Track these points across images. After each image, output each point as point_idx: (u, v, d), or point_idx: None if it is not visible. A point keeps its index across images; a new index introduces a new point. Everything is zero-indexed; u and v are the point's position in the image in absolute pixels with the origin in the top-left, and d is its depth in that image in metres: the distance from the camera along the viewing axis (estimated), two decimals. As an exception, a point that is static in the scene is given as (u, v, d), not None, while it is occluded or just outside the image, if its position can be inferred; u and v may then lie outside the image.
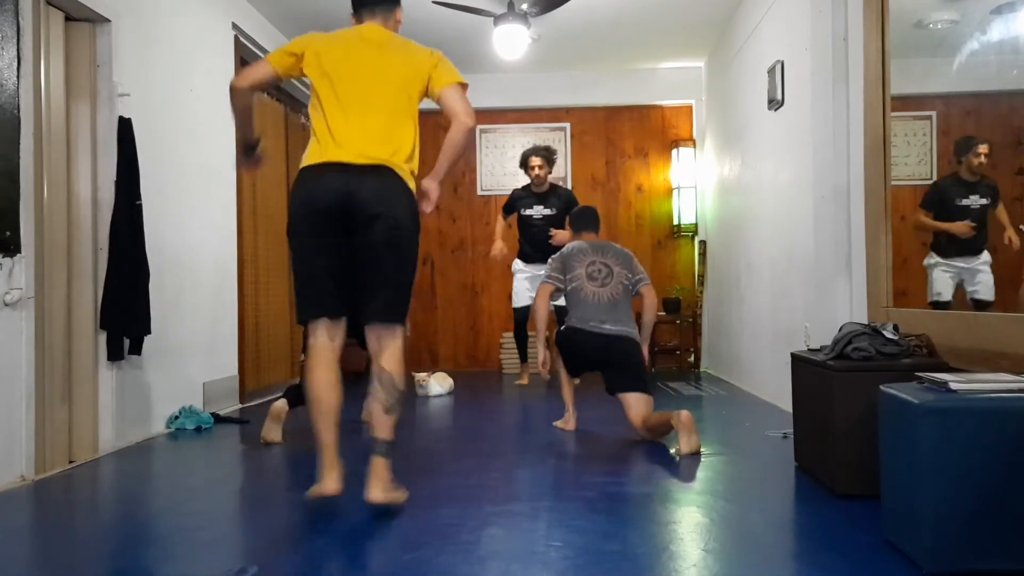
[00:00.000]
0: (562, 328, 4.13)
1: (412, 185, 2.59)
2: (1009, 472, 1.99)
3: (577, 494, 2.89)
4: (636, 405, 3.77)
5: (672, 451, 3.61)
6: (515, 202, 5.96)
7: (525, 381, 5.99)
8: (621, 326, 3.94)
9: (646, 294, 4.09)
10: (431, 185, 2.67)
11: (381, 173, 2.51)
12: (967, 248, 3.39)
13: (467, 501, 2.76)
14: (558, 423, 4.26)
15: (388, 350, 2.57)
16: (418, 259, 2.67)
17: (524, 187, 6.00)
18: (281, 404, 3.89)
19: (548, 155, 5.84)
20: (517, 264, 5.99)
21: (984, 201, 3.33)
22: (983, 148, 3.32)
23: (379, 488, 2.52)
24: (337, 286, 2.56)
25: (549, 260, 4.22)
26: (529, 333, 5.90)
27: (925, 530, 2.01)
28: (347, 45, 2.64)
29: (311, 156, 2.56)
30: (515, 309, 5.98)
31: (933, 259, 3.53)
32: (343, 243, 2.52)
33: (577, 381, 4.26)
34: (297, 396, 3.84)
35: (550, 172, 5.88)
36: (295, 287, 2.65)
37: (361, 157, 2.49)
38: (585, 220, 4.31)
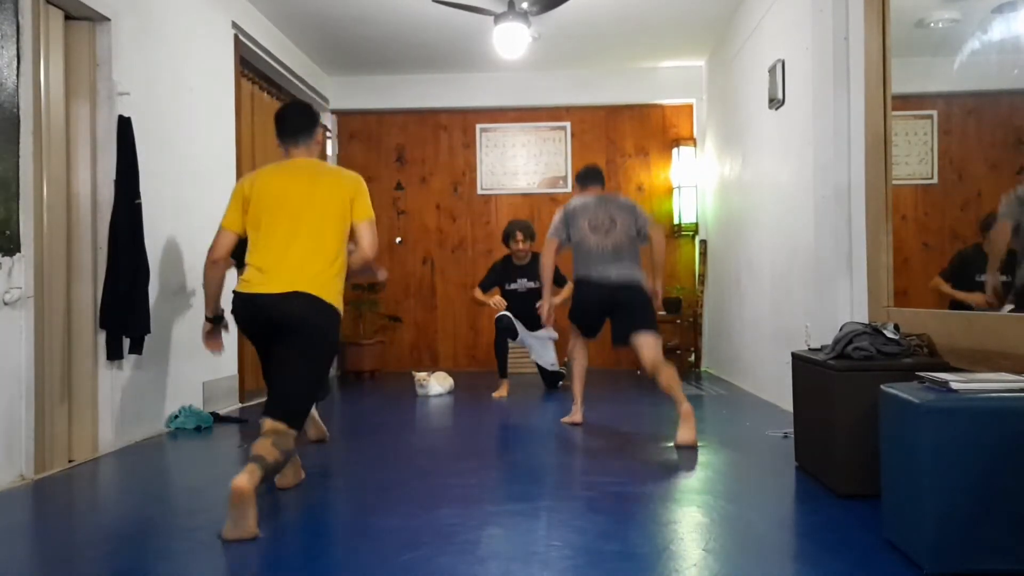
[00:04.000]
0: (573, 290, 4.21)
1: (336, 307, 2.79)
2: (1010, 472, 1.99)
3: (577, 494, 2.89)
4: (645, 345, 3.87)
5: (670, 444, 3.66)
6: (497, 276, 5.87)
7: (504, 393, 5.63)
8: (626, 272, 3.99)
9: (653, 235, 4.15)
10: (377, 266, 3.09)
11: (303, 297, 2.72)
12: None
13: (467, 501, 2.76)
14: (565, 419, 4.28)
15: (271, 431, 2.63)
16: (326, 369, 2.88)
17: (503, 261, 5.91)
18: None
19: (530, 231, 5.82)
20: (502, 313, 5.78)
21: (1004, 278, 3.26)
22: (1007, 225, 3.23)
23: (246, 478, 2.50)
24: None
25: (555, 214, 4.26)
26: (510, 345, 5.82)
27: (926, 530, 2.01)
28: (275, 182, 2.88)
29: (241, 284, 2.83)
30: (499, 317, 5.70)
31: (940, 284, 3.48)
32: (272, 341, 2.79)
33: (593, 339, 4.29)
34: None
35: (532, 245, 5.79)
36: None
37: (288, 288, 2.72)
38: (591, 176, 4.36)
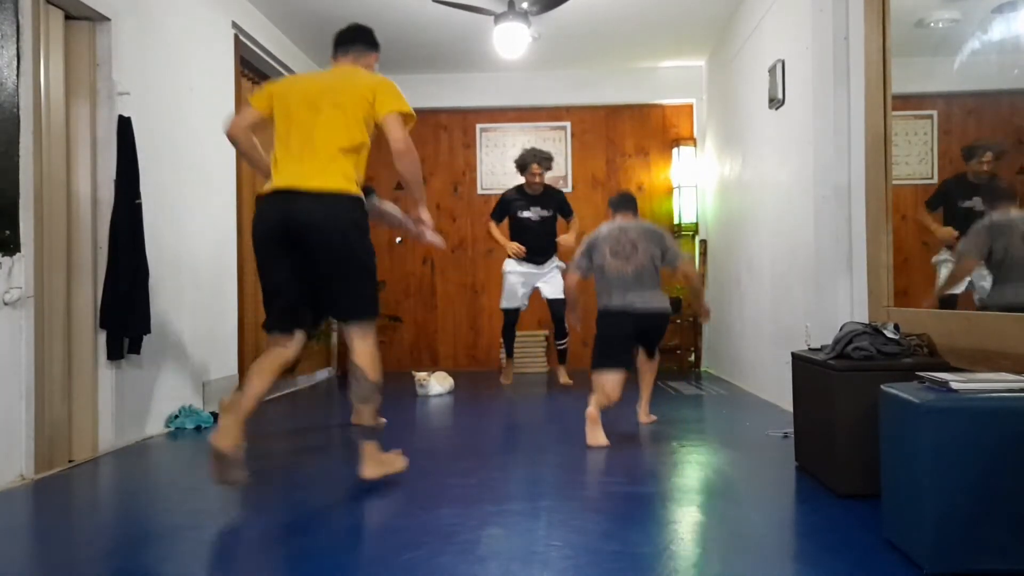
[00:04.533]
0: (596, 321, 4.17)
1: (355, 194, 2.77)
2: (1010, 472, 1.98)
3: (577, 494, 2.89)
4: (647, 364, 4.23)
5: (674, 442, 3.75)
6: (508, 205, 5.87)
7: (509, 380, 5.87)
8: (648, 299, 3.98)
9: (685, 271, 4.22)
10: (421, 213, 2.95)
11: (319, 196, 2.72)
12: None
13: (467, 501, 2.76)
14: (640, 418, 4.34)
15: (356, 347, 2.81)
16: (371, 260, 2.84)
17: (516, 188, 5.91)
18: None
19: (547, 162, 5.80)
20: (509, 264, 5.86)
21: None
22: (987, 157, 3.32)
23: (369, 467, 2.84)
24: (293, 298, 2.80)
25: (580, 245, 4.26)
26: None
27: (926, 530, 2.01)
28: (300, 84, 2.95)
29: (265, 187, 2.82)
30: (504, 310, 5.83)
31: (943, 256, 3.52)
32: (296, 260, 2.75)
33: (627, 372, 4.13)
34: None
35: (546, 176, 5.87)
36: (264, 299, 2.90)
37: (301, 185, 2.72)
38: (623, 203, 4.35)
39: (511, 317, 5.87)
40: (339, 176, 2.75)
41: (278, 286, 2.80)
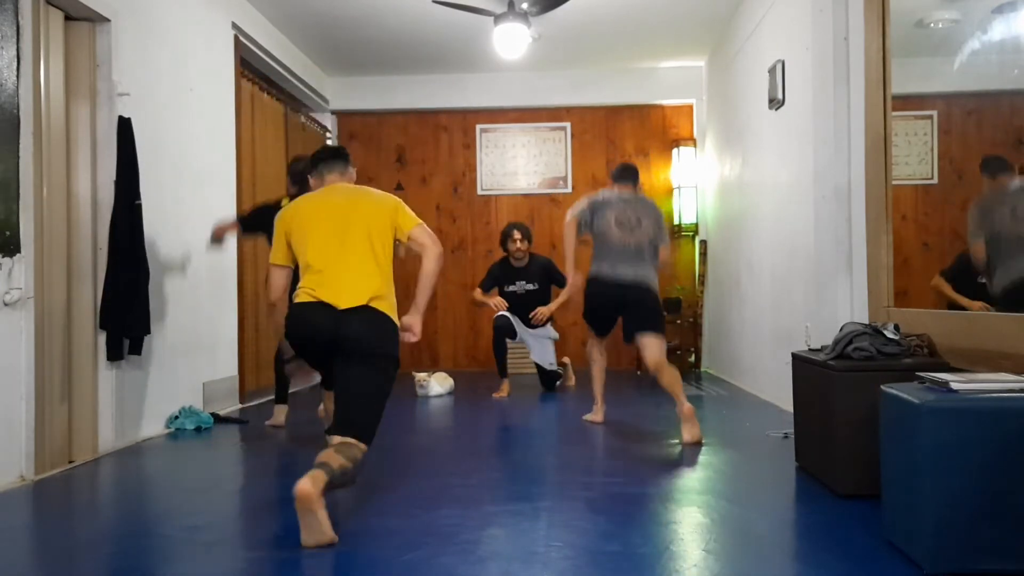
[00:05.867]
0: (586, 285, 4.22)
1: (394, 319, 2.77)
2: (1010, 472, 1.98)
3: (577, 494, 2.89)
4: (649, 346, 3.97)
5: (676, 441, 3.70)
6: (496, 278, 5.83)
7: (504, 393, 5.60)
8: (642, 273, 4.04)
9: (661, 252, 4.20)
10: (413, 320, 2.91)
11: (362, 311, 2.69)
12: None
13: (467, 501, 2.76)
14: (587, 417, 4.34)
15: (341, 447, 2.56)
16: (390, 385, 2.75)
17: (502, 262, 5.86)
18: (281, 408, 4.26)
19: (527, 231, 5.79)
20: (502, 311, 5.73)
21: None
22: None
23: (310, 483, 2.40)
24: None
25: (582, 199, 4.28)
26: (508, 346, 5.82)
27: (926, 530, 2.01)
28: (315, 205, 2.88)
29: (299, 296, 2.76)
30: (497, 316, 5.66)
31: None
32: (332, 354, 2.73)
33: (604, 338, 4.35)
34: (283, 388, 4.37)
35: (530, 246, 5.78)
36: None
37: (347, 304, 2.68)
38: (627, 174, 4.36)
39: (503, 322, 5.61)
40: (383, 295, 2.75)
41: (323, 367, 2.92)
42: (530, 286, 5.72)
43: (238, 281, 5.21)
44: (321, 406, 4.28)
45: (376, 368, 2.67)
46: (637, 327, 4.01)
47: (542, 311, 5.58)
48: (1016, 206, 3.01)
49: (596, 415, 4.32)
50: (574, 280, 4.31)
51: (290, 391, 4.55)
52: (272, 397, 4.61)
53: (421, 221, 2.93)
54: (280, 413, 4.41)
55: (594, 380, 4.38)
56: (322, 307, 2.67)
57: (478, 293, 5.83)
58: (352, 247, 2.75)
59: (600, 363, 4.37)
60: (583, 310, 4.28)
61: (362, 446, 2.58)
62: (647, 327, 3.98)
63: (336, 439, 2.58)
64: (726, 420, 4.57)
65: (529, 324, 5.68)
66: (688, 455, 3.53)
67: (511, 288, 5.77)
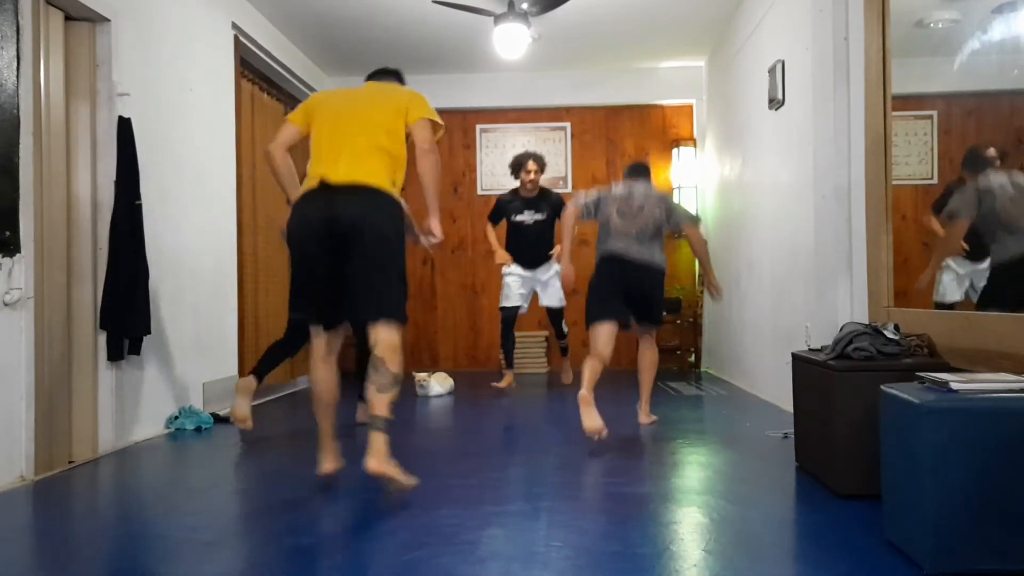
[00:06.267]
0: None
1: (394, 195, 2.86)
2: (1010, 472, 1.98)
3: (577, 494, 2.89)
4: (645, 336, 4.20)
5: (675, 441, 3.74)
6: (503, 207, 5.83)
7: (503, 385, 5.73)
8: (646, 253, 4.03)
9: (689, 233, 4.20)
10: (431, 223, 2.98)
11: (358, 190, 2.79)
12: (976, 253, 3.37)
13: (467, 501, 2.76)
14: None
15: (381, 339, 2.79)
16: (403, 263, 2.88)
17: (511, 192, 5.86)
18: (249, 379, 3.98)
19: (542, 161, 5.76)
20: (506, 267, 5.84)
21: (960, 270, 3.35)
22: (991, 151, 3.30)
23: (376, 459, 2.69)
24: (332, 296, 2.88)
25: (592, 191, 4.26)
26: (520, 338, 5.84)
27: (926, 530, 2.01)
28: (336, 97, 3.05)
29: (304, 184, 2.87)
30: (503, 308, 5.76)
31: (945, 260, 3.49)
32: (335, 255, 2.79)
33: (612, 322, 4.10)
34: (266, 364, 4.13)
35: (541, 178, 5.80)
36: (292, 290, 3.00)
37: (342, 179, 2.78)
38: (636, 171, 4.36)
39: (509, 315, 5.76)
40: (382, 175, 2.83)
41: (319, 281, 2.86)
42: (539, 215, 5.69)
43: (238, 281, 5.21)
44: (358, 414, 4.34)
45: (386, 248, 2.78)
46: (640, 319, 4.14)
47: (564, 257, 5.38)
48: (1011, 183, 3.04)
49: (643, 415, 4.28)
50: (567, 271, 4.25)
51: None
52: (275, 397, 4.60)
53: (435, 118, 2.96)
54: (249, 383, 4.28)
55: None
56: (319, 190, 2.76)
57: (490, 230, 5.85)
58: (360, 129, 2.85)
59: (641, 367, 4.26)
60: (590, 299, 4.06)
61: (392, 370, 2.73)
62: (649, 321, 4.14)
63: (382, 336, 2.74)
64: (726, 420, 4.57)
65: (536, 259, 5.65)
66: (688, 455, 3.53)
67: (519, 217, 5.75)
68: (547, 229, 5.74)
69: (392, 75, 3.25)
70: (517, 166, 5.75)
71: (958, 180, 3.60)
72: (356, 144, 2.84)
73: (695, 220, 4.27)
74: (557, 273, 5.73)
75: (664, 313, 4.23)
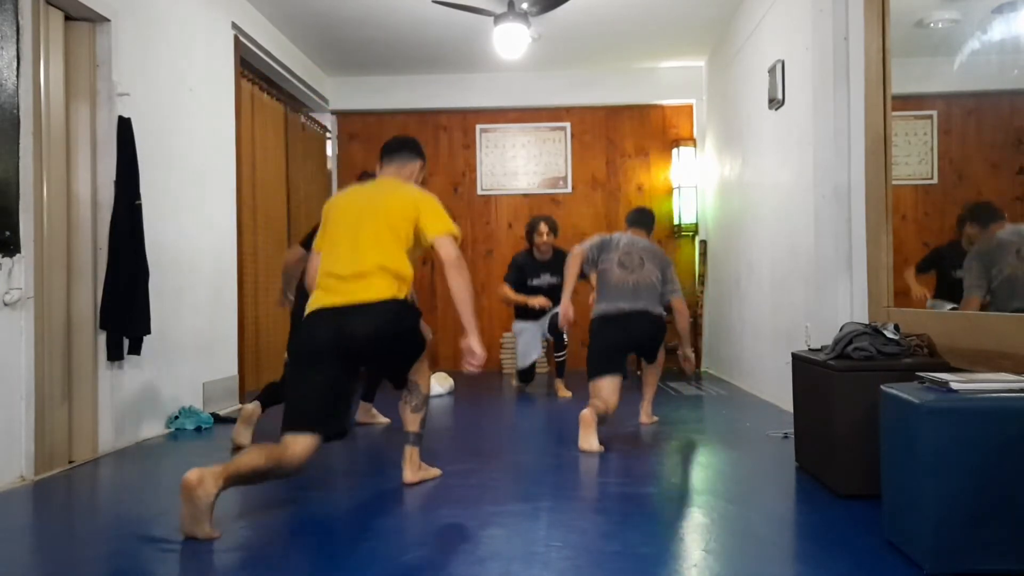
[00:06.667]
0: (590, 324, 4.18)
1: (402, 295, 2.85)
2: (1010, 472, 1.98)
3: (577, 494, 2.89)
4: (650, 371, 4.29)
5: (676, 441, 3.73)
6: (520, 270, 5.82)
7: (568, 393, 5.78)
8: (643, 304, 4.02)
9: (676, 306, 4.19)
10: (470, 342, 2.91)
11: (369, 308, 2.76)
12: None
13: (467, 501, 2.76)
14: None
15: (416, 370, 3.04)
16: (419, 333, 2.98)
17: (526, 254, 5.87)
18: (253, 407, 3.88)
19: (553, 223, 5.80)
20: (517, 325, 5.83)
21: None
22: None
23: (411, 471, 3.00)
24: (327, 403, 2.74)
25: (594, 237, 4.29)
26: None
27: (926, 530, 2.01)
28: (346, 198, 3.00)
29: (313, 303, 2.83)
30: (520, 370, 5.89)
31: (938, 302, 3.47)
32: (347, 368, 2.77)
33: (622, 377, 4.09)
34: (270, 398, 3.90)
35: (555, 239, 5.79)
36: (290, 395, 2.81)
37: (353, 301, 2.76)
38: (641, 220, 4.39)
39: (528, 373, 5.88)
40: (386, 286, 2.80)
41: (314, 394, 2.69)
42: (553, 280, 5.67)
43: (238, 281, 5.21)
44: (359, 414, 4.44)
45: (405, 345, 2.92)
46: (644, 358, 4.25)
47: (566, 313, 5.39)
48: (1021, 248, 3.00)
49: (645, 415, 4.33)
50: (566, 309, 4.25)
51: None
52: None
53: (451, 228, 2.90)
54: (365, 412, 4.48)
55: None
56: (327, 313, 2.76)
57: (508, 290, 5.79)
58: (369, 234, 2.83)
59: (645, 372, 4.32)
60: (591, 355, 4.00)
61: (424, 391, 3.02)
62: (652, 358, 4.24)
63: (407, 399, 3.01)
64: (726, 420, 4.57)
65: (550, 321, 5.63)
66: (688, 455, 3.53)
67: (536, 282, 5.75)
68: (560, 290, 5.71)
69: (406, 148, 3.13)
70: (530, 230, 5.81)
71: (947, 243, 3.56)
72: (363, 262, 2.79)
73: (681, 293, 4.27)
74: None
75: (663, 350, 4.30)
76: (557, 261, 5.69)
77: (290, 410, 2.69)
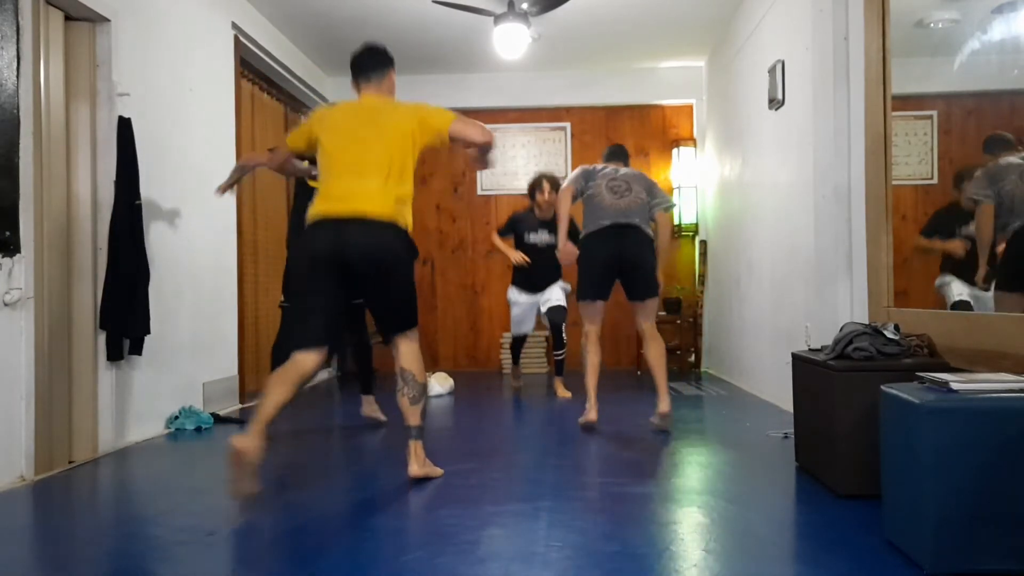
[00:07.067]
0: (580, 246, 4.24)
1: (404, 224, 2.95)
2: (1010, 472, 1.98)
3: (577, 494, 2.89)
4: (646, 312, 4.19)
5: (675, 441, 3.76)
6: (516, 224, 5.70)
7: (519, 383, 6.04)
8: (634, 223, 4.11)
9: (660, 219, 4.25)
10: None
11: (369, 225, 2.87)
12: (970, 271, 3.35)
13: (467, 501, 2.76)
14: (581, 420, 4.25)
15: (404, 352, 3.02)
16: (413, 280, 3.05)
17: (527, 211, 5.74)
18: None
19: (557, 181, 5.64)
20: (512, 293, 5.73)
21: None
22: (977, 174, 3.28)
23: (416, 464, 3.01)
24: (332, 319, 2.93)
25: (575, 170, 4.37)
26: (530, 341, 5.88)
27: (926, 530, 2.01)
28: (343, 118, 3.03)
29: (313, 211, 2.93)
30: (515, 337, 5.87)
31: (946, 278, 3.47)
32: (341, 283, 2.88)
33: (605, 301, 4.26)
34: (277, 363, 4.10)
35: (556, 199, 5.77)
36: (294, 315, 3.05)
37: (353, 212, 2.86)
38: (616, 153, 4.50)
39: (522, 338, 5.92)
40: (391, 205, 2.89)
41: (320, 307, 2.88)
42: (551, 239, 5.48)
43: (238, 281, 5.21)
44: (363, 407, 4.50)
45: (403, 276, 2.93)
46: (634, 294, 4.18)
47: (562, 244, 4.91)
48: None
49: (589, 414, 4.21)
50: (565, 247, 4.33)
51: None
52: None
53: (456, 115, 3.01)
54: (368, 404, 4.50)
55: (588, 375, 4.25)
56: (330, 224, 2.84)
57: (496, 238, 5.77)
58: (372, 161, 2.89)
59: (594, 359, 4.26)
60: (579, 275, 4.24)
61: (420, 380, 2.99)
62: (644, 293, 4.16)
63: (404, 348, 2.97)
64: (726, 420, 4.57)
65: (545, 280, 5.59)
66: (688, 455, 3.53)
67: (532, 238, 5.61)
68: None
69: (377, 62, 3.12)
70: (532, 188, 5.63)
71: (944, 206, 3.59)
72: (366, 178, 2.88)
73: (671, 205, 4.37)
74: (560, 287, 5.65)
75: (659, 288, 4.20)
76: (556, 221, 5.58)
77: (299, 329, 2.90)
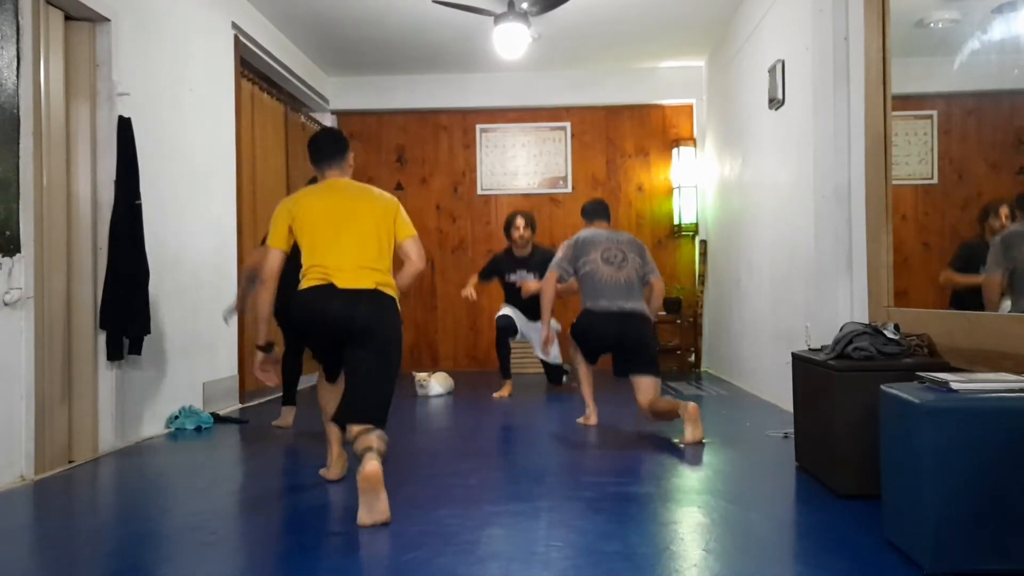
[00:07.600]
0: (579, 317, 4.21)
1: (395, 296, 2.98)
2: (1010, 472, 1.98)
3: (577, 494, 2.89)
4: (646, 388, 3.97)
5: (676, 440, 3.71)
6: (497, 267, 5.77)
7: (505, 393, 5.54)
8: (636, 304, 4.09)
9: (655, 284, 4.26)
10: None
11: (369, 296, 2.88)
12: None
13: (467, 501, 2.76)
14: (581, 420, 4.29)
15: (367, 440, 2.68)
16: (400, 361, 3.02)
17: (505, 251, 5.77)
18: (287, 410, 4.38)
19: (531, 218, 5.72)
20: (505, 311, 5.69)
21: None
22: (1004, 211, 3.25)
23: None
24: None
25: (561, 246, 4.34)
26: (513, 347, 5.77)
27: (926, 530, 2.01)
28: (319, 200, 3.04)
29: (310, 280, 2.91)
30: (499, 317, 5.65)
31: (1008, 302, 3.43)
32: (341, 344, 2.92)
33: (594, 366, 4.33)
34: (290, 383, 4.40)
35: (533, 235, 5.69)
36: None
37: (353, 284, 2.87)
38: (599, 211, 4.45)
39: (506, 323, 5.59)
40: (382, 281, 2.93)
41: (332, 355, 3.04)
42: (531, 276, 5.54)
43: (238, 282, 5.20)
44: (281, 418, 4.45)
45: (386, 351, 2.87)
46: (633, 369, 4.02)
47: (529, 285, 5.35)
48: None
49: (590, 418, 4.27)
50: (548, 335, 4.49)
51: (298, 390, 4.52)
52: (276, 396, 4.61)
53: (416, 233, 3.15)
54: (288, 414, 4.39)
55: (582, 382, 4.32)
56: (332, 289, 2.84)
57: (473, 279, 5.76)
58: (358, 237, 2.94)
59: (586, 368, 4.30)
60: (573, 331, 4.24)
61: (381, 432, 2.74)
62: (644, 369, 3.99)
63: (358, 429, 2.68)
64: (726, 420, 4.57)
65: (530, 315, 5.57)
66: (688, 455, 3.53)
67: (512, 278, 5.67)
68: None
69: (336, 149, 3.17)
70: (507, 225, 5.71)
71: (972, 239, 3.50)
72: (359, 253, 2.92)
73: (659, 273, 4.35)
74: (554, 330, 5.64)
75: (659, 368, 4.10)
76: (536, 259, 5.60)
77: (324, 369, 3.15)
